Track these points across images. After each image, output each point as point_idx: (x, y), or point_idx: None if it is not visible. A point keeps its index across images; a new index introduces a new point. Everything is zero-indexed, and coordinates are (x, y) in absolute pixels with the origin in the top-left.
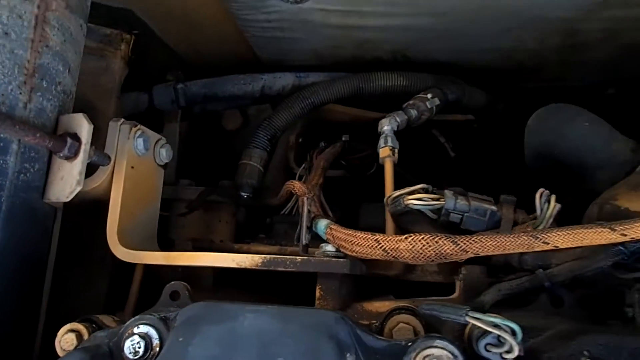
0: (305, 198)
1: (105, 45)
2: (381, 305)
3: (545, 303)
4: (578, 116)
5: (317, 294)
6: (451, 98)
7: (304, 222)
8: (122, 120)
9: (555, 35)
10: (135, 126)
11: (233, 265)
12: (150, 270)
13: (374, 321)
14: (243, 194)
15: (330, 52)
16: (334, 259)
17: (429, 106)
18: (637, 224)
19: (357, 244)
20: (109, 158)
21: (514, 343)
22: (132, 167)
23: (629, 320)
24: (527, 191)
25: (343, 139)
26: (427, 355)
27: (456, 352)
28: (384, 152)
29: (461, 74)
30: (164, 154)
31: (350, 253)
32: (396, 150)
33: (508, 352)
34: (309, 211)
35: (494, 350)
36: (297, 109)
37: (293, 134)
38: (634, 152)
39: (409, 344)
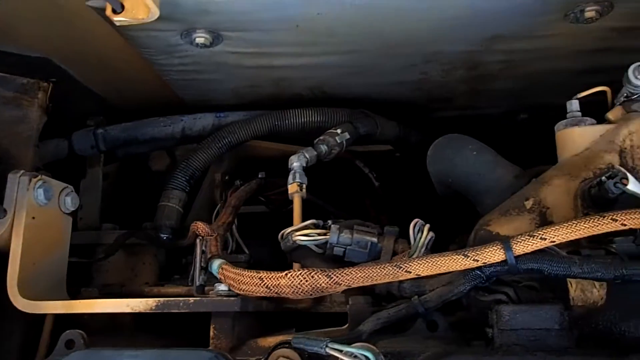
0: (198, 240)
1: (21, 95)
2: (273, 341)
3: (422, 328)
4: (466, 145)
5: (211, 333)
6: (362, 131)
7: (197, 263)
8: (22, 172)
9: (459, 68)
10: (36, 177)
11: (127, 310)
12: (71, 318)
13: (259, 357)
14: (162, 235)
15: (249, 91)
16: (225, 298)
17: (338, 141)
18: (488, 249)
19: (244, 282)
20: (5, 211)
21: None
22: (33, 218)
23: (490, 340)
24: (445, 217)
25: (259, 176)
26: None
27: None
28: (292, 188)
29: (377, 106)
30: (69, 202)
31: (239, 291)
32: (304, 186)
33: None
34: (203, 252)
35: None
36: (214, 149)
37: (219, 172)
38: (517, 178)
39: None
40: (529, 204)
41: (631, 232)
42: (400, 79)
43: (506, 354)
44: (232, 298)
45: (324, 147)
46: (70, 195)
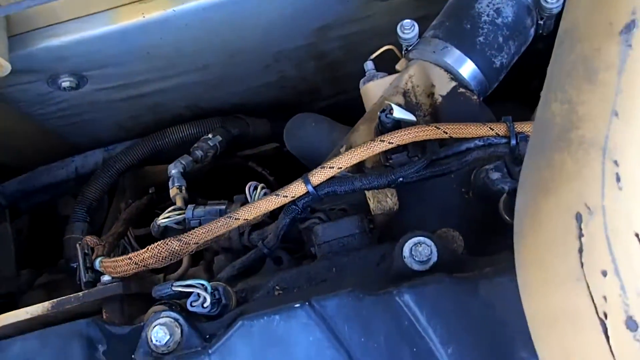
0: (78, 244)
1: None
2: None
3: (270, 266)
4: (306, 119)
5: (104, 317)
6: (235, 132)
7: (81, 263)
8: None
9: (308, 60)
10: None
11: (27, 316)
12: None
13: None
14: (73, 265)
15: (131, 122)
16: (108, 285)
17: (211, 144)
18: (292, 186)
19: (119, 266)
20: None
21: (204, 293)
22: None
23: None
24: None
25: (150, 191)
26: (156, 325)
27: (175, 315)
28: (172, 192)
29: (252, 110)
30: None
31: (117, 275)
32: (184, 188)
33: (204, 302)
34: (85, 254)
35: (196, 304)
36: (105, 178)
37: (122, 202)
38: None
39: (143, 323)
40: (343, 149)
41: (404, 148)
42: (262, 81)
43: (321, 260)
44: (115, 283)
45: (199, 153)
46: None
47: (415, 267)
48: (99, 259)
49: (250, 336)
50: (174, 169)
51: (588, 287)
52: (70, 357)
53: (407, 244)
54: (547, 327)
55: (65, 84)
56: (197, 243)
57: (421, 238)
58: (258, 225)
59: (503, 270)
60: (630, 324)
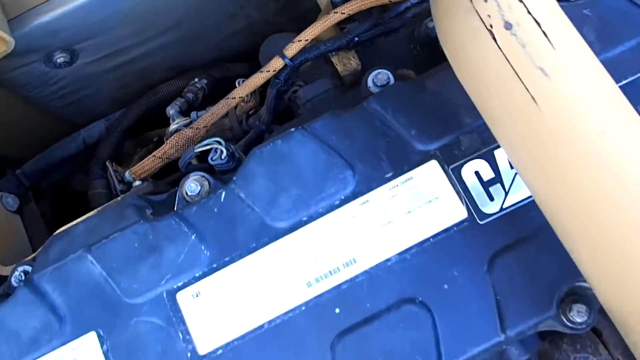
0: (107, 162)
1: None
2: None
3: (267, 138)
4: (277, 39)
5: None
6: (218, 76)
7: (113, 176)
8: None
9: (268, 2)
10: None
11: None
12: None
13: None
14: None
15: (122, 93)
16: (140, 186)
17: (199, 86)
18: (272, 62)
19: (146, 165)
20: None
21: (220, 147)
22: None
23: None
24: None
25: (154, 139)
26: (188, 182)
27: (202, 173)
28: (173, 126)
29: (230, 61)
30: (11, 201)
31: (146, 175)
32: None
33: (221, 154)
34: (114, 170)
35: (215, 157)
36: (112, 137)
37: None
38: None
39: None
40: None
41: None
42: (232, 30)
43: (307, 113)
44: (146, 183)
45: (190, 95)
46: (10, 197)
47: (377, 90)
48: (128, 171)
49: (262, 159)
50: (171, 110)
51: (477, 12)
52: (126, 219)
53: (370, 76)
54: (459, 49)
55: (60, 60)
56: (206, 126)
57: (380, 69)
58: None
59: (442, 68)
60: (507, 25)
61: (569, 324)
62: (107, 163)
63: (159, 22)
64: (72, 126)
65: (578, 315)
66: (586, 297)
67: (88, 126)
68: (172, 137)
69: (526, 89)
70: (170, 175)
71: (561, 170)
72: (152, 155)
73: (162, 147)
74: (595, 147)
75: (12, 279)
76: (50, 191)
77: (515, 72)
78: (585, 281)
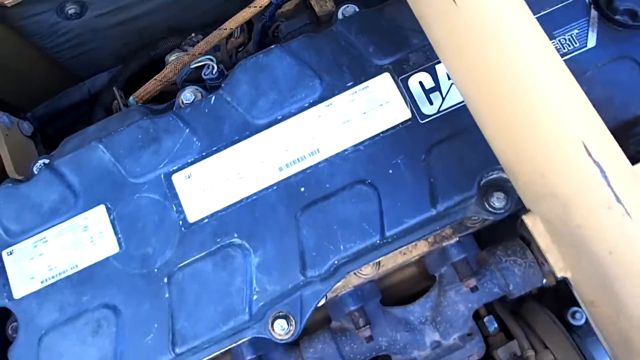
0: (113, 88)
1: None
2: None
3: None
4: None
5: None
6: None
7: (119, 100)
8: None
9: None
10: None
11: None
12: None
13: None
14: None
15: (125, 49)
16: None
17: (195, 40)
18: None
19: (148, 89)
20: None
21: (212, 64)
22: (7, 135)
23: None
24: None
25: None
26: (184, 92)
27: (195, 85)
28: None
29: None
30: (26, 127)
31: (148, 97)
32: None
33: (212, 69)
34: (120, 96)
35: (207, 72)
36: (115, 85)
37: None
38: None
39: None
40: None
41: None
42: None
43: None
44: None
45: (187, 47)
46: (25, 122)
47: None
48: (132, 96)
49: (246, 69)
50: (170, 57)
51: None
52: (131, 118)
53: (340, 9)
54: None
55: (71, 11)
56: (201, 53)
57: (349, 4)
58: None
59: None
60: None
61: (490, 209)
62: (113, 89)
63: None
64: (77, 79)
65: (497, 201)
66: (505, 187)
67: (92, 77)
68: (171, 62)
69: None
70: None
71: (474, 60)
72: (153, 79)
73: (162, 71)
74: (498, 37)
75: (34, 168)
76: (54, 138)
77: None
78: (504, 172)
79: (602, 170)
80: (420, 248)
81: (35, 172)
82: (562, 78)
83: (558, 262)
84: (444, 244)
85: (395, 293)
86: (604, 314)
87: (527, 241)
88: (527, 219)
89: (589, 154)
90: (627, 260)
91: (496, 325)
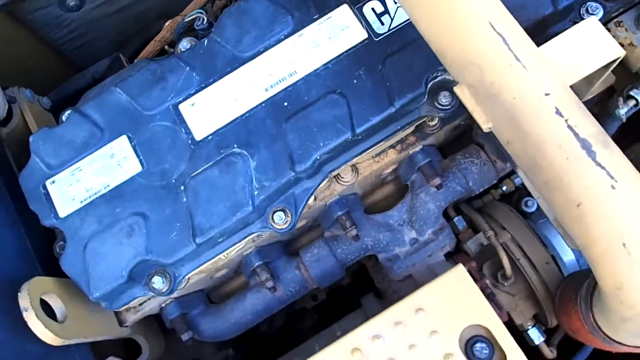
0: (119, 54)
1: None
2: None
3: None
4: None
5: None
6: None
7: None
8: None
9: None
10: (19, 87)
11: None
12: None
13: None
14: None
15: (121, 37)
16: None
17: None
18: None
19: (148, 49)
20: (15, 99)
21: (203, 15)
22: (31, 106)
23: None
24: None
25: None
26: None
27: (191, 37)
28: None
29: None
30: (45, 101)
31: (150, 56)
32: None
33: (203, 21)
34: (126, 60)
35: (199, 23)
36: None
37: None
38: None
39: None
40: None
41: None
42: None
43: None
44: None
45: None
46: (45, 98)
47: None
48: (135, 60)
49: (231, 14)
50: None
51: None
52: (139, 65)
53: None
54: None
55: (71, 3)
56: (191, 16)
57: None
58: None
59: None
60: None
61: (439, 106)
62: (119, 54)
63: None
64: (79, 70)
65: (444, 98)
66: (450, 87)
67: (96, 64)
68: (167, 23)
69: None
70: None
71: None
72: (153, 40)
73: (160, 32)
74: None
75: (62, 117)
76: None
77: None
78: (446, 73)
79: (504, 39)
80: (390, 156)
81: (64, 120)
82: None
83: (482, 117)
84: (410, 152)
85: (377, 210)
86: (516, 146)
87: (482, 144)
88: (457, 89)
89: (494, 28)
90: (524, 101)
91: (465, 223)
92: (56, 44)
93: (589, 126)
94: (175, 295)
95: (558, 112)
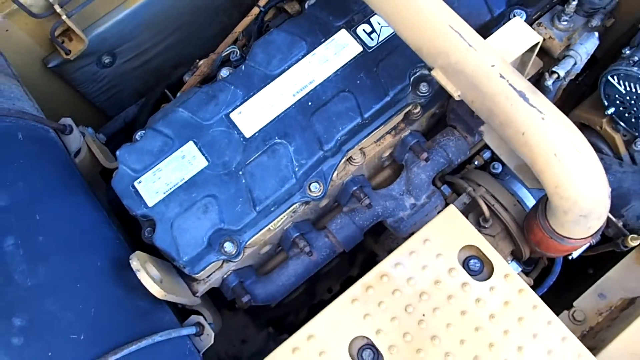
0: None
1: None
2: None
3: None
4: None
5: None
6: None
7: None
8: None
9: (233, 9)
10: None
11: None
12: None
13: None
14: None
15: (143, 87)
16: None
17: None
18: None
19: (191, 82)
20: (84, 134)
21: (236, 50)
22: (93, 141)
23: None
24: None
25: None
26: (226, 69)
27: None
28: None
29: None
30: (102, 136)
31: None
32: None
33: (237, 54)
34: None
35: (234, 56)
36: (147, 110)
37: None
38: None
39: None
40: None
41: None
42: (212, 33)
43: None
44: None
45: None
46: (100, 134)
47: None
48: (178, 93)
49: (260, 45)
50: (186, 77)
51: None
52: (192, 91)
53: (306, 3)
54: None
55: (106, 61)
56: (227, 51)
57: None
58: None
59: None
60: None
61: (420, 93)
62: (165, 91)
63: (167, 26)
64: (107, 117)
65: (423, 87)
66: (427, 79)
67: (125, 110)
68: (203, 60)
69: None
70: None
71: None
72: (193, 75)
73: (199, 67)
74: None
75: (136, 136)
76: None
77: None
78: (424, 69)
79: (460, 34)
80: (387, 140)
81: (138, 138)
82: (438, 3)
83: (453, 88)
84: (402, 135)
85: (381, 188)
86: (478, 103)
87: (454, 126)
88: (433, 72)
89: (453, 28)
90: (479, 72)
91: (450, 190)
92: (91, 97)
93: (522, 82)
94: (233, 267)
95: (501, 76)
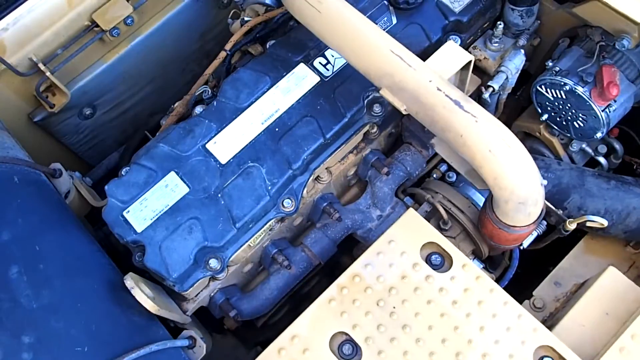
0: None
1: None
2: None
3: None
4: None
5: None
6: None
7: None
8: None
9: (202, 59)
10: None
11: None
12: None
13: None
14: None
15: (121, 136)
16: None
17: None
18: None
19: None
20: (72, 178)
21: (207, 88)
22: (81, 184)
23: None
24: None
25: None
26: (199, 106)
27: None
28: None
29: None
30: (88, 180)
31: None
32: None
33: (208, 92)
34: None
35: (205, 94)
36: (127, 157)
37: None
38: None
39: None
40: None
41: None
42: (184, 81)
43: None
44: None
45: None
46: (87, 177)
47: None
48: (157, 133)
49: (229, 82)
50: (162, 121)
51: None
52: (171, 128)
53: (268, 44)
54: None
55: (87, 113)
56: (199, 91)
57: (272, 40)
58: None
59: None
60: None
61: (374, 114)
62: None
63: (142, 79)
64: (89, 166)
65: (377, 108)
66: (379, 101)
67: (107, 157)
68: (176, 105)
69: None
70: None
71: (340, 38)
72: (170, 115)
73: (175, 107)
74: (350, 25)
75: (122, 172)
76: None
77: None
78: (376, 92)
79: (401, 57)
80: (350, 159)
81: (124, 173)
82: (381, 34)
83: (399, 104)
84: (363, 154)
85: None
86: (421, 114)
87: (410, 142)
88: (382, 92)
89: (394, 53)
90: (419, 88)
91: (412, 200)
92: (75, 147)
93: (457, 93)
94: (219, 285)
95: (439, 89)
